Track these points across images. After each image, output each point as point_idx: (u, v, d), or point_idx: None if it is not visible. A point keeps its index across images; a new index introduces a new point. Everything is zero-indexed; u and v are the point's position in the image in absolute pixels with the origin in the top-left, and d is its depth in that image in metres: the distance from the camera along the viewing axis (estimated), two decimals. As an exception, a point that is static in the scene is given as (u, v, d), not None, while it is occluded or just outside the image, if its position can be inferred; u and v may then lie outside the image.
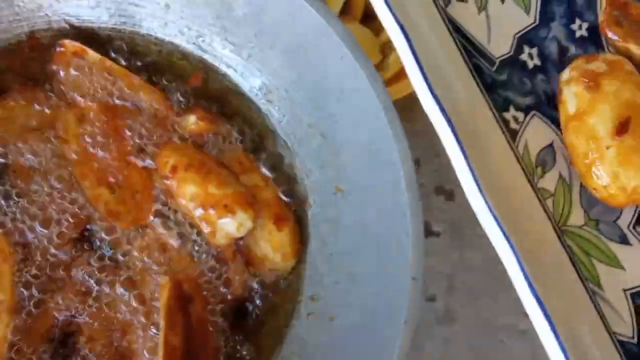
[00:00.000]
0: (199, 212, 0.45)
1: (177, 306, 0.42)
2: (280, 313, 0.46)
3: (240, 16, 0.46)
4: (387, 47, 0.59)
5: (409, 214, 0.39)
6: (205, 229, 0.45)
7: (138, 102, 0.48)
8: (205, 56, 0.49)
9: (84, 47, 0.47)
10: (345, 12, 0.60)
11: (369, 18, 0.62)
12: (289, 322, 0.45)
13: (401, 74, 0.57)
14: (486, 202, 0.38)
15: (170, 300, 0.42)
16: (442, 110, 0.39)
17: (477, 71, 0.45)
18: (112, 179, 0.46)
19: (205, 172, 0.45)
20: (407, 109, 0.48)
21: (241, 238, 0.45)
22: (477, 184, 0.39)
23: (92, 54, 0.47)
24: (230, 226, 0.44)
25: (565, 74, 0.44)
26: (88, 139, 0.46)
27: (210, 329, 0.43)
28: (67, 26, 0.49)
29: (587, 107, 0.42)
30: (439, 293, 0.62)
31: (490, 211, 0.38)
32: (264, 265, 0.45)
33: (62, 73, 0.48)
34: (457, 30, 0.45)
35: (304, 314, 0.45)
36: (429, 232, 0.63)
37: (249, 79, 0.49)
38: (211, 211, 0.44)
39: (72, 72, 0.47)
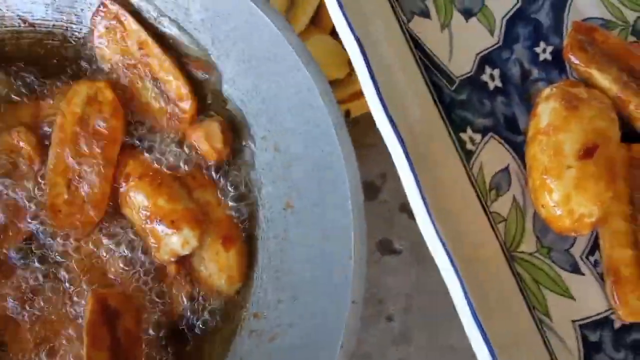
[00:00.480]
0: (146, 224, 0.43)
1: (101, 321, 0.40)
2: (223, 330, 0.44)
3: (198, 21, 0.45)
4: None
5: (352, 237, 0.38)
6: (151, 242, 0.44)
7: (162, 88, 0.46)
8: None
9: (124, 11, 0.46)
10: (315, 23, 0.59)
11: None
12: (231, 339, 0.44)
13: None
14: (434, 227, 0.37)
15: (94, 314, 0.40)
16: (396, 131, 0.38)
17: (436, 90, 0.44)
18: (74, 175, 0.44)
19: (158, 183, 0.44)
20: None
21: (187, 255, 0.44)
22: (426, 208, 0.38)
23: (131, 22, 0.45)
24: (175, 242, 0.43)
25: (547, 91, 0.43)
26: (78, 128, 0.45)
27: (143, 345, 0.41)
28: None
29: (561, 123, 0.41)
30: (396, 313, 0.61)
31: (438, 236, 0.38)
32: (209, 285, 0.44)
33: (96, 35, 0.46)
34: (417, 47, 0.45)
35: (247, 332, 0.43)
36: (390, 250, 0.62)
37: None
38: (158, 225, 0.43)
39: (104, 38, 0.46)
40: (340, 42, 0.58)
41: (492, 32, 0.46)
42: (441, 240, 0.37)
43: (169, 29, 0.46)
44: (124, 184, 0.44)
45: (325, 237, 0.40)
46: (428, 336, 0.62)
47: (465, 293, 0.36)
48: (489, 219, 0.42)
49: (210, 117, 0.46)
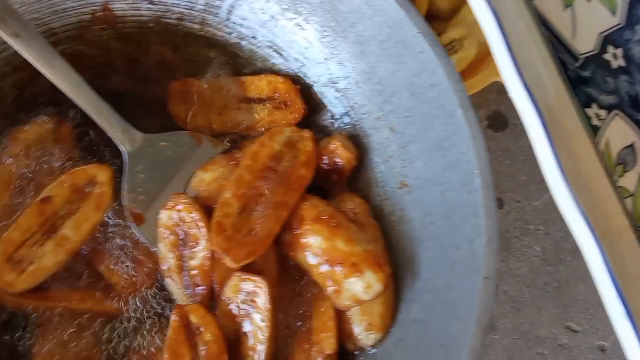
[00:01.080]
0: (323, 268, 0.41)
1: (181, 337, 0.42)
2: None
3: (317, 2, 0.46)
4: (448, 48, 0.59)
5: (482, 213, 0.38)
6: (329, 287, 0.41)
7: None
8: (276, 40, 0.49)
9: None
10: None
11: (432, 18, 0.62)
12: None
13: (463, 75, 0.57)
14: (573, 196, 0.37)
15: (174, 330, 0.42)
16: (534, 104, 0.38)
17: (562, 65, 0.44)
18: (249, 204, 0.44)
19: (334, 225, 0.42)
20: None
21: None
22: (565, 180, 0.37)
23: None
24: (357, 287, 0.41)
25: None
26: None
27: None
28: None
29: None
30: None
31: (578, 206, 0.37)
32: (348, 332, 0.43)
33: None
34: (543, 24, 0.44)
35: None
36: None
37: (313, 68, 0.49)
38: (338, 269, 0.41)
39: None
40: (433, 29, 0.59)
41: (613, 13, 0.46)
42: (581, 211, 0.37)
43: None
44: (297, 228, 0.43)
45: (449, 215, 0.41)
46: (513, 325, 0.62)
47: (607, 263, 0.36)
48: (616, 193, 0.42)
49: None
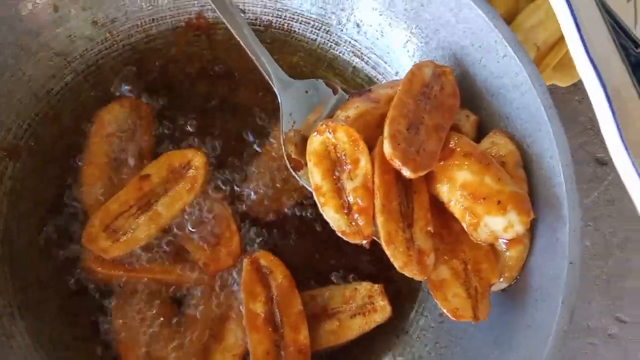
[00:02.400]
0: (466, 201, 0.42)
1: (254, 278, 0.47)
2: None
3: (401, 10, 0.49)
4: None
5: (565, 204, 0.42)
6: (468, 219, 0.42)
7: None
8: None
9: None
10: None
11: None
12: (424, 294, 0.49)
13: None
14: (634, 165, 0.39)
15: (247, 274, 0.47)
16: (601, 80, 0.41)
17: (624, 50, 0.47)
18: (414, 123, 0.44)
19: (486, 163, 0.43)
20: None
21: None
22: (626, 149, 0.40)
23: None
24: (498, 225, 0.41)
25: None
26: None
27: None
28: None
29: None
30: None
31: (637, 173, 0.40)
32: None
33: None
34: (607, 12, 0.48)
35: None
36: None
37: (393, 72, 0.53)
38: (480, 204, 0.42)
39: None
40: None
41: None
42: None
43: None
44: (445, 159, 0.43)
45: (535, 205, 0.44)
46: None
47: None
48: None
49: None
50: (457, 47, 0.48)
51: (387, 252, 0.41)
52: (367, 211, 0.42)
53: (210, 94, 0.54)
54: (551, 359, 0.39)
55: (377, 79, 0.54)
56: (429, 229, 0.43)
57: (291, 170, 0.47)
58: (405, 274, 0.41)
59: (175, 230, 0.49)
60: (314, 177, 0.44)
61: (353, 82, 0.54)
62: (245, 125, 0.53)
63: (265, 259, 0.48)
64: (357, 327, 0.47)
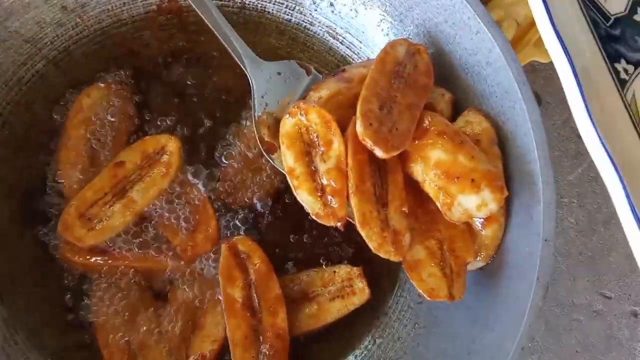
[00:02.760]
0: (439, 181, 0.42)
1: (232, 263, 0.47)
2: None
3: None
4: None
5: (540, 182, 0.41)
6: (442, 199, 0.42)
7: None
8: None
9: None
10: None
11: None
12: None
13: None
14: (601, 140, 0.40)
15: (225, 259, 0.47)
16: (570, 61, 0.41)
17: (594, 24, 0.47)
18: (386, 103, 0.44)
19: (460, 141, 0.42)
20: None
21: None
22: (596, 130, 0.40)
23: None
24: (471, 203, 0.41)
25: None
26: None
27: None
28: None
29: None
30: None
31: (605, 149, 0.40)
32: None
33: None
34: None
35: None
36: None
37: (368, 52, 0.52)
38: (454, 183, 0.41)
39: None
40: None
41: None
42: (607, 152, 0.40)
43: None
44: (418, 139, 0.43)
45: (507, 183, 0.44)
46: (550, 294, 0.66)
47: (628, 197, 0.39)
48: None
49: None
50: (432, 25, 0.48)
51: (362, 234, 0.41)
52: (341, 193, 0.42)
53: (185, 77, 0.54)
54: (526, 335, 0.39)
55: (353, 59, 0.53)
56: (403, 209, 0.43)
57: (264, 154, 0.46)
58: (381, 255, 0.41)
59: (151, 216, 0.49)
60: (287, 160, 0.44)
61: (329, 62, 0.54)
62: (220, 109, 0.53)
63: (243, 244, 0.48)
64: (335, 310, 0.47)
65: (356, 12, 0.51)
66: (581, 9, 0.48)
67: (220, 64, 0.54)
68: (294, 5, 0.53)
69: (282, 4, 0.53)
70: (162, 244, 0.49)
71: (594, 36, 0.47)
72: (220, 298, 0.46)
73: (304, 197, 0.43)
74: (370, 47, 0.52)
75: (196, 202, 0.50)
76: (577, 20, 0.47)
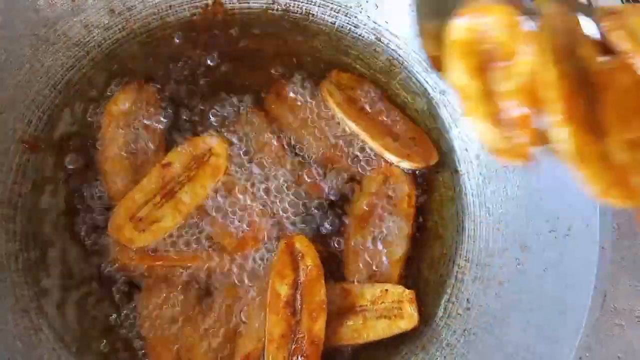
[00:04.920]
0: None
1: (286, 260, 0.47)
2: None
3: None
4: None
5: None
6: None
7: None
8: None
9: None
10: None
11: None
12: (450, 282, 0.48)
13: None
14: None
15: (282, 254, 0.47)
16: None
17: None
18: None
19: None
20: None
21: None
22: None
23: None
24: None
25: None
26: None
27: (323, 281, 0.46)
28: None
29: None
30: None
31: None
32: None
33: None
34: None
35: (469, 279, 0.47)
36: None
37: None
38: None
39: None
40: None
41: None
42: None
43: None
44: None
45: (561, 189, 0.43)
46: (593, 298, 0.65)
47: None
48: None
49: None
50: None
51: (582, 174, 0.31)
52: (528, 122, 0.32)
53: (228, 78, 0.53)
54: (583, 344, 0.39)
55: (399, 61, 0.53)
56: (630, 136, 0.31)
57: (432, 70, 0.39)
58: (609, 202, 0.31)
59: (200, 215, 0.49)
60: (457, 75, 0.35)
61: (374, 65, 0.53)
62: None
63: (301, 243, 0.47)
64: (380, 329, 0.46)
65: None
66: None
67: (268, 63, 0.53)
68: (338, 8, 0.52)
69: (327, 6, 0.52)
70: (210, 243, 0.49)
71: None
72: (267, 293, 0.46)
73: (479, 126, 0.34)
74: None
75: (245, 203, 0.50)
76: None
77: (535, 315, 0.43)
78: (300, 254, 0.47)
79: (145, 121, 0.51)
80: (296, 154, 0.51)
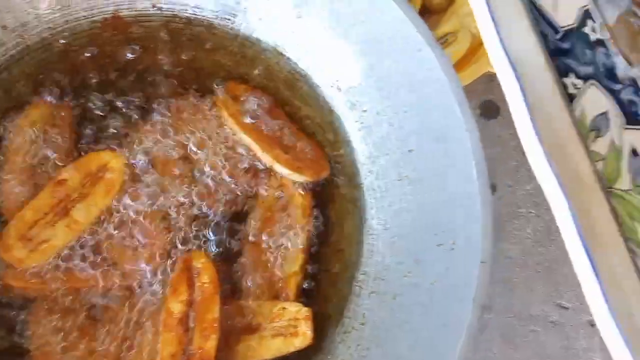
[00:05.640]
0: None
1: (183, 277, 0.46)
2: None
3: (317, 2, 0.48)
4: (442, 42, 0.62)
5: (479, 202, 0.41)
6: None
7: None
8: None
9: None
10: (403, 3, 0.61)
11: (426, 12, 0.64)
12: (348, 297, 0.48)
13: (457, 66, 0.59)
14: (548, 160, 0.40)
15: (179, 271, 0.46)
16: (517, 76, 0.41)
17: (543, 38, 0.47)
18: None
19: None
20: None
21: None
22: (541, 144, 0.40)
23: None
24: None
25: None
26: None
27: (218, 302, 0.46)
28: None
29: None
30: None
31: (550, 164, 0.41)
32: None
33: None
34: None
35: (366, 293, 0.47)
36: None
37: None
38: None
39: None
40: (427, 22, 0.62)
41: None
42: (552, 168, 0.40)
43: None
44: None
45: (446, 204, 0.44)
46: (507, 304, 0.66)
47: (574, 217, 0.39)
48: (588, 156, 0.45)
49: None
50: (375, 41, 0.47)
51: None
52: None
53: (132, 92, 0.53)
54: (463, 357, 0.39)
55: (300, 74, 0.53)
56: None
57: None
58: None
59: (94, 234, 0.48)
60: None
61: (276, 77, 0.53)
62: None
63: (197, 259, 0.47)
64: (275, 347, 0.46)
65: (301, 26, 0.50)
66: (531, 22, 0.47)
67: (171, 77, 0.53)
68: (240, 21, 0.52)
69: (228, 19, 0.52)
70: (105, 261, 0.48)
71: (543, 50, 0.47)
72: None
73: None
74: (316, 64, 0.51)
75: (143, 219, 0.49)
76: (527, 34, 0.47)
77: (422, 330, 0.43)
78: (197, 271, 0.47)
79: (49, 137, 0.50)
80: (194, 168, 0.50)
